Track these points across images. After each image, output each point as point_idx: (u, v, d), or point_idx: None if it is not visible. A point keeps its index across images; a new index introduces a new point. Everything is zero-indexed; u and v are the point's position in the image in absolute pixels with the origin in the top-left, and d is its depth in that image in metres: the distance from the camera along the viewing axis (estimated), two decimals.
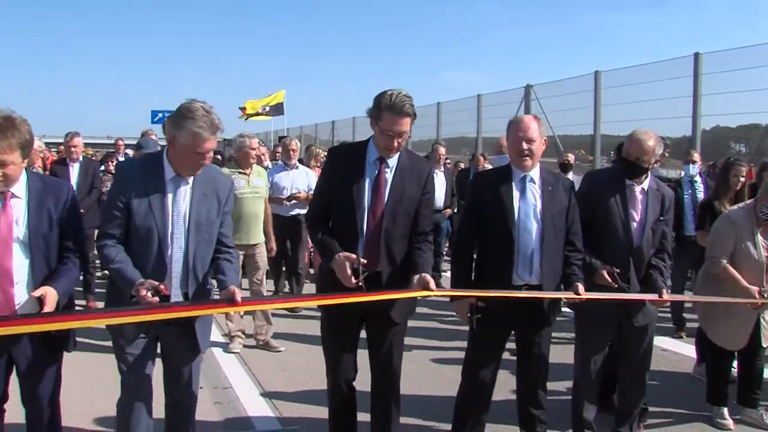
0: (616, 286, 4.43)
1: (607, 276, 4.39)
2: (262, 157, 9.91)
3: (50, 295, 3.39)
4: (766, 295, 5.03)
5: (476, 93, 19.75)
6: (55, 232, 3.59)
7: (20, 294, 3.49)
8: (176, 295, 3.72)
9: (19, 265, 3.48)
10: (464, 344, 4.62)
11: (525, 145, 4.23)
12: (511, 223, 4.23)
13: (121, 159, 13.47)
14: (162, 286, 3.47)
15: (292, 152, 9.09)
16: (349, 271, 3.77)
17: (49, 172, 9.41)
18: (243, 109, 27.52)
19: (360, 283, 3.79)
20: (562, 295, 4.33)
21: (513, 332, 4.50)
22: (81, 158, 9.42)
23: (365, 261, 3.83)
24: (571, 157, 10.66)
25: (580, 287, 4.23)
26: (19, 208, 3.50)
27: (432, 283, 3.85)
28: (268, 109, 26.97)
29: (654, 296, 4.54)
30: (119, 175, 3.87)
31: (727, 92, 12.11)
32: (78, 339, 5.75)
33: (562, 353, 5.91)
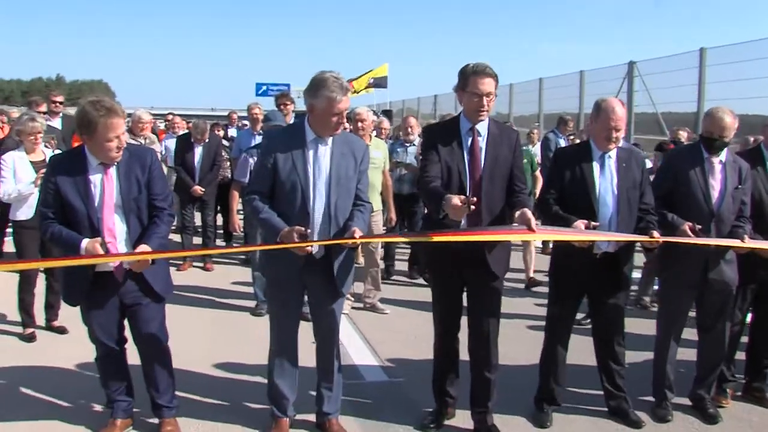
0: (700, 244, 4.69)
1: (689, 231, 4.64)
2: (383, 130, 10.07)
3: (145, 249, 4.09)
4: None
5: (576, 64, 19.86)
6: (144, 195, 4.24)
7: (122, 250, 4.19)
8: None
9: (119, 226, 4.18)
10: None
11: (614, 134, 4.63)
12: (593, 198, 4.66)
13: (233, 131, 14.22)
14: (306, 231, 4.08)
15: (410, 128, 9.28)
16: (457, 200, 3.99)
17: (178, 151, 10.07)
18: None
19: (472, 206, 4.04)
20: (642, 238, 4.59)
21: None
22: (207, 139, 9.94)
23: (474, 198, 4.10)
24: (683, 135, 10.30)
25: (656, 233, 4.54)
26: (113, 176, 4.17)
27: (533, 220, 4.20)
28: (372, 81, 27.49)
29: (736, 242, 4.77)
30: (267, 140, 4.51)
31: None
32: (208, 297, 6.43)
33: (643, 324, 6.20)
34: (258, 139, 8.77)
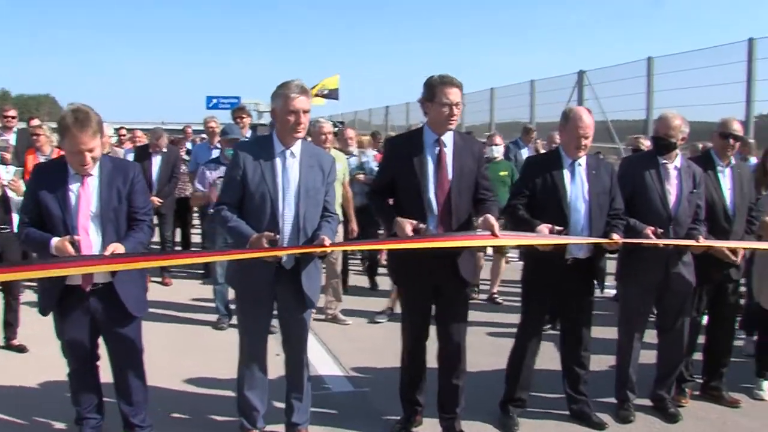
0: (661, 245, 4.83)
1: (651, 236, 4.79)
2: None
3: (118, 248, 4.04)
4: None
5: (526, 74, 20.00)
6: (123, 206, 4.22)
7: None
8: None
9: (94, 234, 4.14)
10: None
11: (584, 141, 4.77)
12: (565, 205, 4.77)
13: (189, 145, 14.07)
14: (276, 236, 4.13)
15: (349, 140, 9.32)
16: (409, 228, 4.25)
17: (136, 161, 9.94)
18: None
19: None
20: (601, 240, 4.75)
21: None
22: (165, 148, 9.90)
23: (424, 226, 4.32)
24: (645, 143, 9.79)
25: (615, 235, 4.69)
26: (93, 185, 4.15)
27: (496, 226, 4.33)
28: (326, 92, 27.47)
29: (691, 242, 4.94)
30: (237, 153, 4.47)
31: None
32: (168, 312, 6.32)
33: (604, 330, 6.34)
34: (215, 153, 8.72)
